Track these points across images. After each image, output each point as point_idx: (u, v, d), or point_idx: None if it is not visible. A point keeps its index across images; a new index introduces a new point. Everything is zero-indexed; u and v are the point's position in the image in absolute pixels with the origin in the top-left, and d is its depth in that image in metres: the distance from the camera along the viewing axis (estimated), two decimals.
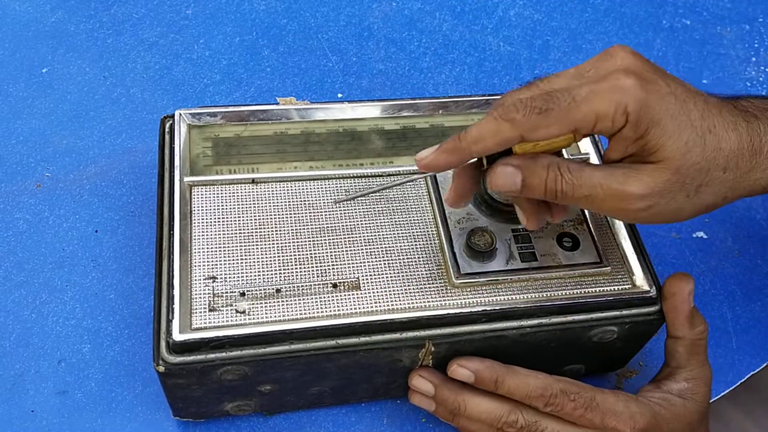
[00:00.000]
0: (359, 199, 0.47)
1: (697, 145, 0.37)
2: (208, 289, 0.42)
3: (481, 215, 0.47)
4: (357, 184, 0.48)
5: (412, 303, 0.43)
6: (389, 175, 0.49)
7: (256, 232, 0.45)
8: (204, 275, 0.43)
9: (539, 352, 0.46)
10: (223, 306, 0.42)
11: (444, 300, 0.43)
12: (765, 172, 0.40)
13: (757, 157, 0.39)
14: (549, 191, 0.39)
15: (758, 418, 0.55)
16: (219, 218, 0.45)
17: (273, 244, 0.45)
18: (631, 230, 0.47)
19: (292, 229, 0.46)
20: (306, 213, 0.46)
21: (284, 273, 0.44)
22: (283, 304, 0.42)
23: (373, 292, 0.43)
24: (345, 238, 0.46)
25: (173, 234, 0.44)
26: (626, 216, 0.39)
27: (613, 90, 0.36)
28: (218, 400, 0.45)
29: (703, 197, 0.39)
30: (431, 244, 0.46)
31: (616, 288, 0.45)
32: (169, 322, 0.41)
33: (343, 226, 0.46)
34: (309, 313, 0.42)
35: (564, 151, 0.48)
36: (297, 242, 0.45)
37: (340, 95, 0.66)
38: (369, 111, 0.52)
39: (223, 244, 0.44)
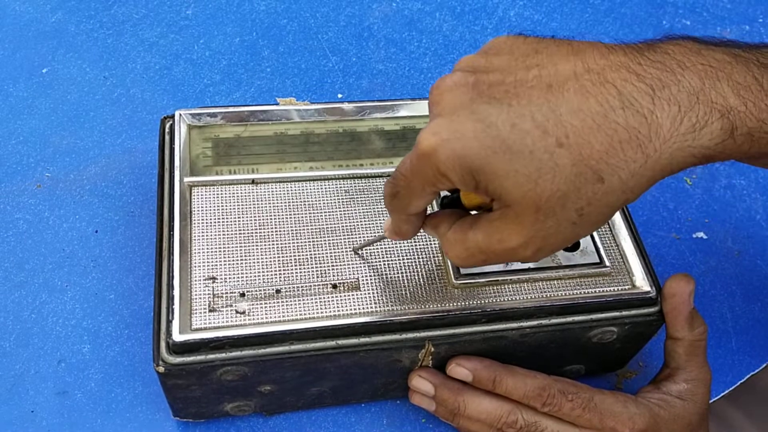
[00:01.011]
0: (359, 199, 0.47)
1: (545, 171, 0.30)
2: (208, 290, 0.42)
3: None
4: (357, 185, 0.48)
5: (412, 304, 0.43)
6: (389, 175, 0.49)
7: (256, 232, 0.45)
8: (204, 276, 0.43)
9: (539, 352, 0.46)
10: (223, 306, 0.42)
11: (444, 301, 0.43)
12: (675, 149, 0.31)
13: (650, 141, 0.31)
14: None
15: (758, 419, 0.55)
16: (219, 219, 0.45)
17: (273, 244, 0.45)
18: (631, 231, 0.47)
19: (292, 230, 0.46)
20: (306, 213, 0.46)
21: (284, 273, 0.44)
22: (283, 305, 0.42)
23: (373, 293, 0.43)
24: (345, 238, 0.46)
25: (173, 234, 0.44)
26: (529, 261, 0.35)
27: (421, 157, 0.32)
28: (218, 401, 0.45)
29: (594, 216, 0.32)
30: (431, 244, 0.46)
31: (615, 288, 0.45)
32: (168, 322, 0.41)
33: (343, 226, 0.46)
34: (309, 313, 0.42)
35: None
36: (297, 242, 0.45)
37: (340, 95, 0.66)
38: (369, 111, 0.52)
39: (223, 244, 0.44)
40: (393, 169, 0.48)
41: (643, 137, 0.31)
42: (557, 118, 0.31)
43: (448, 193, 0.40)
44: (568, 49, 0.33)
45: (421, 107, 0.53)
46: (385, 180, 0.49)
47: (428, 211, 0.39)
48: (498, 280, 0.44)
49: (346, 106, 0.52)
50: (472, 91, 0.32)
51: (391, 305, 0.43)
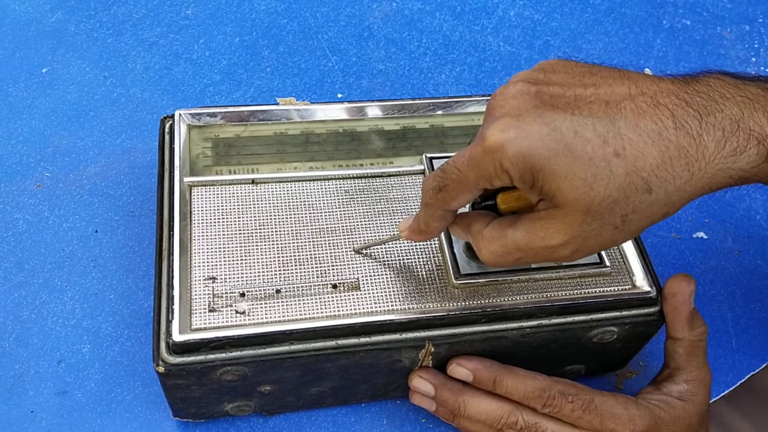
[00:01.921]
0: (359, 199, 0.47)
1: (600, 177, 0.33)
2: (208, 290, 0.42)
3: None
4: (357, 185, 0.48)
5: (412, 304, 0.43)
6: (389, 175, 0.49)
7: (256, 232, 0.45)
8: (204, 276, 0.43)
9: (539, 352, 0.46)
10: (223, 306, 0.42)
11: (444, 300, 0.43)
12: (717, 170, 0.34)
13: (697, 160, 0.34)
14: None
15: (757, 421, 0.55)
16: (219, 219, 0.45)
17: (273, 244, 0.45)
18: None
19: (292, 230, 0.46)
20: (306, 213, 0.46)
21: (284, 273, 0.44)
22: (283, 305, 0.42)
23: (373, 293, 0.43)
24: (345, 238, 0.46)
25: (173, 234, 0.44)
26: (562, 261, 0.37)
27: (486, 151, 0.34)
28: (218, 401, 0.45)
29: (635, 224, 0.35)
30: (431, 244, 0.46)
31: (616, 288, 0.45)
32: (168, 322, 0.41)
33: (343, 226, 0.46)
34: (309, 313, 0.42)
35: None
36: (297, 242, 0.45)
37: (340, 95, 0.66)
38: (369, 111, 0.52)
39: (223, 244, 0.44)
40: (393, 169, 0.49)
41: (691, 156, 0.34)
42: (616, 131, 0.33)
43: (479, 200, 0.40)
44: (621, 74, 0.36)
45: (421, 107, 0.53)
46: (385, 180, 0.49)
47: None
48: (498, 280, 0.44)
49: (346, 106, 0.52)
50: (535, 99, 0.35)
51: (391, 305, 0.43)
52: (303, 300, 0.43)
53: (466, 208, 0.41)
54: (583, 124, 0.33)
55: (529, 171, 0.33)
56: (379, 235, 0.46)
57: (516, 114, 0.34)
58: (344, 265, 0.44)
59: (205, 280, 0.43)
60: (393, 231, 0.46)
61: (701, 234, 0.60)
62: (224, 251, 0.44)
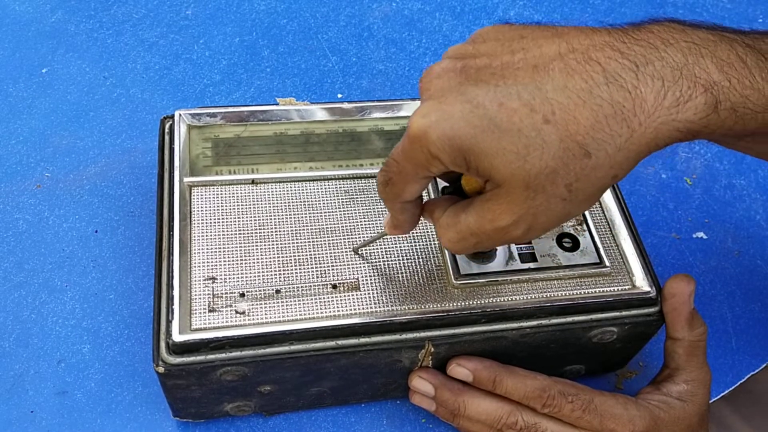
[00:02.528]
0: (359, 199, 0.47)
1: (533, 148, 0.31)
2: (208, 290, 0.42)
3: None
4: (357, 185, 0.48)
5: (412, 304, 0.43)
6: None
7: (256, 232, 0.45)
8: (204, 276, 0.43)
9: (539, 352, 0.46)
10: (222, 307, 0.42)
11: (444, 301, 0.43)
12: (660, 123, 0.31)
13: (635, 115, 0.31)
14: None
15: (757, 423, 0.55)
16: (219, 219, 0.45)
17: (273, 244, 0.45)
18: (631, 231, 0.47)
19: (292, 230, 0.46)
20: (306, 213, 0.46)
21: (284, 273, 0.44)
22: (282, 305, 0.42)
23: (373, 293, 0.43)
24: (345, 238, 0.46)
25: (173, 234, 0.44)
26: (519, 241, 0.36)
27: (412, 140, 0.33)
28: (218, 401, 0.45)
29: (583, 192, 0.32)
30: (431, 244, 0.46)
31: (615, 289, 0.45)
32: (168, 322, 0.41)
33: (343, 226, 0.46)
34: (309, 313, 0.42)
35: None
36: (297, 243, 0.45)
37: (340, 95, 0.66)
38: (369, 111, 0.52)
39: (223, 244, 0.44)
40: None
41: (627, 111, 0.31)
42: (543, 96, 0.31)
43: (447, 184, 0.40)
44: (553, 32, 0.34)
45: None
46: None
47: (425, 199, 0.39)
48: (498, 280, 0.44)
49: (346, 106, 0.52)
50: (459, 76, 0.33)
51: (391, 305, 0.43)
52: (303, 300, 0.43)
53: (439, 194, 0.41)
54: (507, 94, 0.31)
55: (459, 153, 0.32)
56: (373, 235, 0.46)
57: (439, 96, 0.33)
58: (344, 265, 0.44)
59: (205, 280, 0.43)
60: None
61: (701, 234, 0.60)
62: (224, 251, 0.44)
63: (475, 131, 0.31)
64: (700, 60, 0.32)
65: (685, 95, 0.31)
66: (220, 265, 0.43)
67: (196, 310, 0.42)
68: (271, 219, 0.46)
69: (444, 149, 0.32)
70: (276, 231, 0.45)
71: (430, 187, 0.47)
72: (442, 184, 0.41)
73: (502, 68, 0.33)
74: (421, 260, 0.45)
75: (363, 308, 0.43)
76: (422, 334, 0.43)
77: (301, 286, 0.43)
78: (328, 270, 0.44)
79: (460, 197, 0.38)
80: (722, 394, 0.52)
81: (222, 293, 0.42)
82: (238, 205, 0.46)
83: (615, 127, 0.31)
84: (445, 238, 0.37)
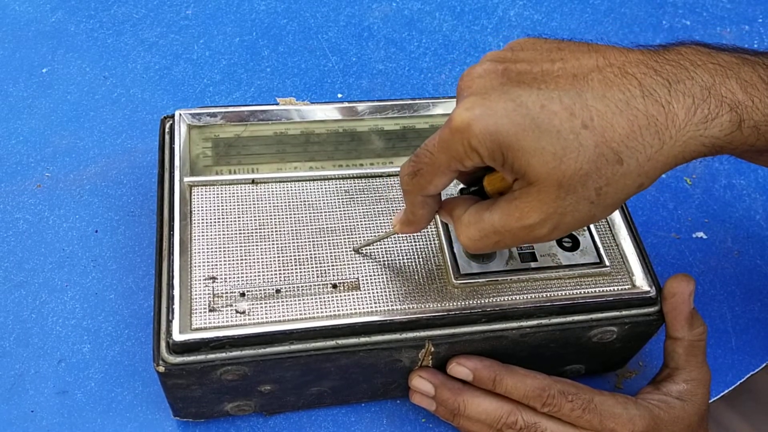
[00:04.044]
0: (359, 199, 0.47)
1: (570, 150, 0.32)
2: (208, 290, 0.42)
3: None
4: (357, 185, 0.48)
5: (412, 303, 0.43)
6: (389, 175, 0.49)
7: (256, 232, 0.45)
8: (204, 275, 0.43)
9: (539, 352, 0.46)
10: (223, 306, 0.42)
11: (444, 300, 0.43)
12: (689, 138, 0.34)
13: (667, 128, 0.33)
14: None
15: (756, 422, 0.55)
16: (219, 218, 0.45)
17: (273, 244, 0.45)
18: (631, 231, 0.47)
19: (292, 229, 0.46)
20: (306, 213, 0.46)
21: (284, 273, 0.44)
22: (283, 305, 0.42)
23: (373, 293, 0.43)
24: (345, 238, 0.46)
25: (173, 234, 0.44)
26: (540, 241, 0.36)
27: (454, 131, 0.34)
28: (218, 400, 0.45)
29: (611, 197, 0.34)
30: (431, 244, 0.46)
31: (615, 288, 0.45)
32: (169, 322, 0.41)
33: (343, 226, 0.46)
34: (309, 313, 0.42)
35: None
36: (297, 242, 0.45)
37: (340, 95, 0.66)
38: (369, 111, 0.52)
39: (223, 244, 0.44)
40: (393, 169, 0.49)
41: (660, 124, 0.33)
42: (583, 103, 0.33)
43: (465, 186, 0.41)
44: (588, 47, 0.36)
45: (421, 107, 0.53)
46: (385, 180, 0.49)
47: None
48: (498, 280, 0.44)
49: (346, 106, 0.52)
50: (501, 77, 0.35)
51: (391, 305, 0.43)
52: (303, 300, 0.43)
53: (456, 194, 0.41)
54: (550, 97, 0.33)
55: (498, 148, 0.33)
56: (376, 235, 0.46)
57: (482, 92, 0.34)
58: (344, 264, 0.44)
59: (205, 280, 0.43)
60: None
61: (701, 234, 0.60)
62: (224, 251, 0.44)
63: (516, 129, 0.33)
64: (726, 81, 0.34)
65: (712, 113, 0.34)
66: (221, 264, 0.43)
67: (196, 309, 0.42)
68: (271, 219, 0.46)
69: (484, 143, 0.33)
70: (276, 231, 0.45)
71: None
72: (460, 185, 0.42)
73: (542, 74, 0.35)
74: (421, 260, 0.45)
75: (363, 308, 0.43)
76: (422, 334, 0.43)
77: (301, 286, 0.43)
78: (328, 270, 0.44)
79: (480, 198, 0.39)
80: (722, 394, 0.52)
81: (222, 293, 0.42)
82: (238, 205, 0.46)
83: (648, 137, 0.33)
84: (465, 236, 0.37)
